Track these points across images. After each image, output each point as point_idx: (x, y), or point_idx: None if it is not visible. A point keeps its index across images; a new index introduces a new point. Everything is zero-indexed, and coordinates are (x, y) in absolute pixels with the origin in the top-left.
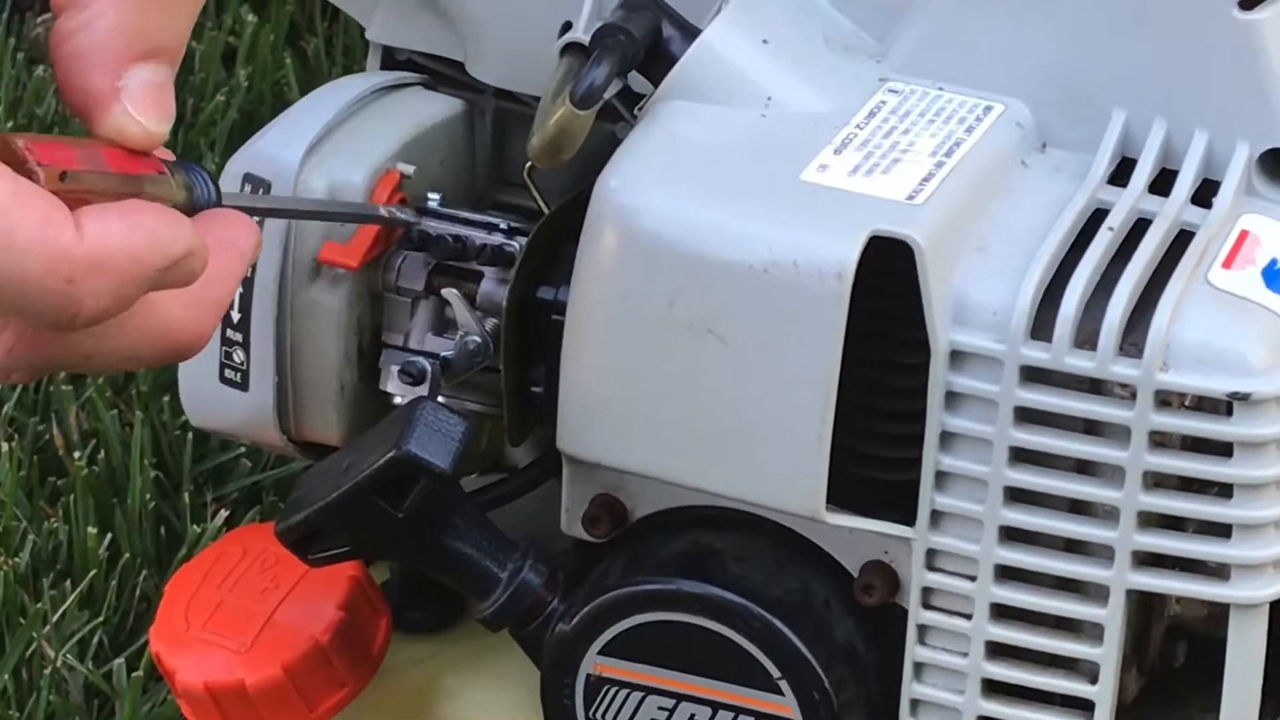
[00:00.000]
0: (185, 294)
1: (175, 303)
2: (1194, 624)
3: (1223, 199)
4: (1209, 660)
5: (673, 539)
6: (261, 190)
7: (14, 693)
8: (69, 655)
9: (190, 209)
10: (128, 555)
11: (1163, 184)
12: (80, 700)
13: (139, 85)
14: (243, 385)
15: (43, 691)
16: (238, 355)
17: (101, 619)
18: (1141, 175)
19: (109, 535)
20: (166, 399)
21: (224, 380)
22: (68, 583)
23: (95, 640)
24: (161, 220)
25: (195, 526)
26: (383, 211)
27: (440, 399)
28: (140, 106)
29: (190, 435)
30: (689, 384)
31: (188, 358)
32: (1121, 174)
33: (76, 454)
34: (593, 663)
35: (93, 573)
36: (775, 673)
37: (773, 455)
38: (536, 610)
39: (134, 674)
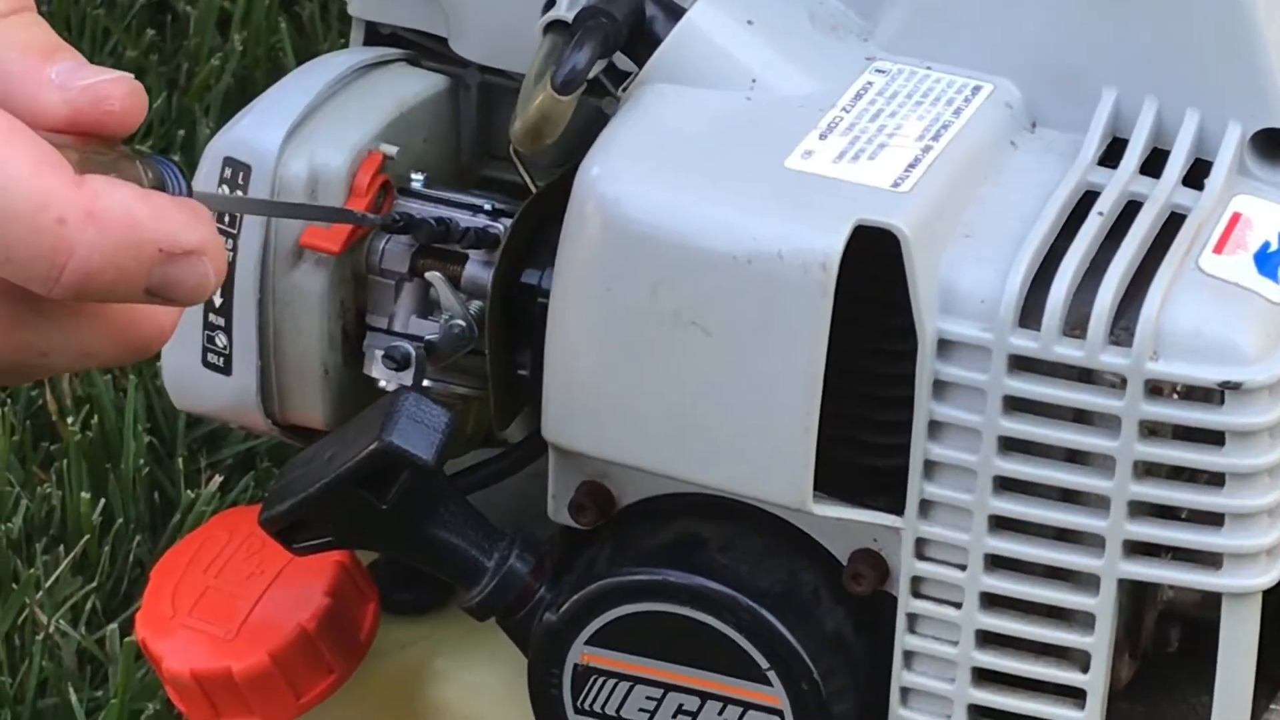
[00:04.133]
0: None
1: None
2: (1187, 609)
3: (1214, 180)
4: (1203, 645)
5: (660, 527)
6: (242, 175)
7: (6, 658)
8: (62, 621)
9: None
10: (121, 521)
11: (1154, 164)
12: (73, 666)
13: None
14: (225, 369)
15: (35, 657)
16: (220, 339)
17: (95, 584)
18: (1132, 156)
19: (102, 501)
20: (160, 365)
21: (206, 364)
22: (61, 548)
23: (88, 606)
24: (177, 204)
25: (189, 492)
26: (355, 213)
27: (425, 382)
28: (92, 72)
29: None
30: (673, 375)
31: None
32: (1112, 154)
33: (70, 419)
34: (580, 652)
35: (86, 538)
36: (763, 663)
37: (759, 447)
38: (523, 599)
39: (127, 639)
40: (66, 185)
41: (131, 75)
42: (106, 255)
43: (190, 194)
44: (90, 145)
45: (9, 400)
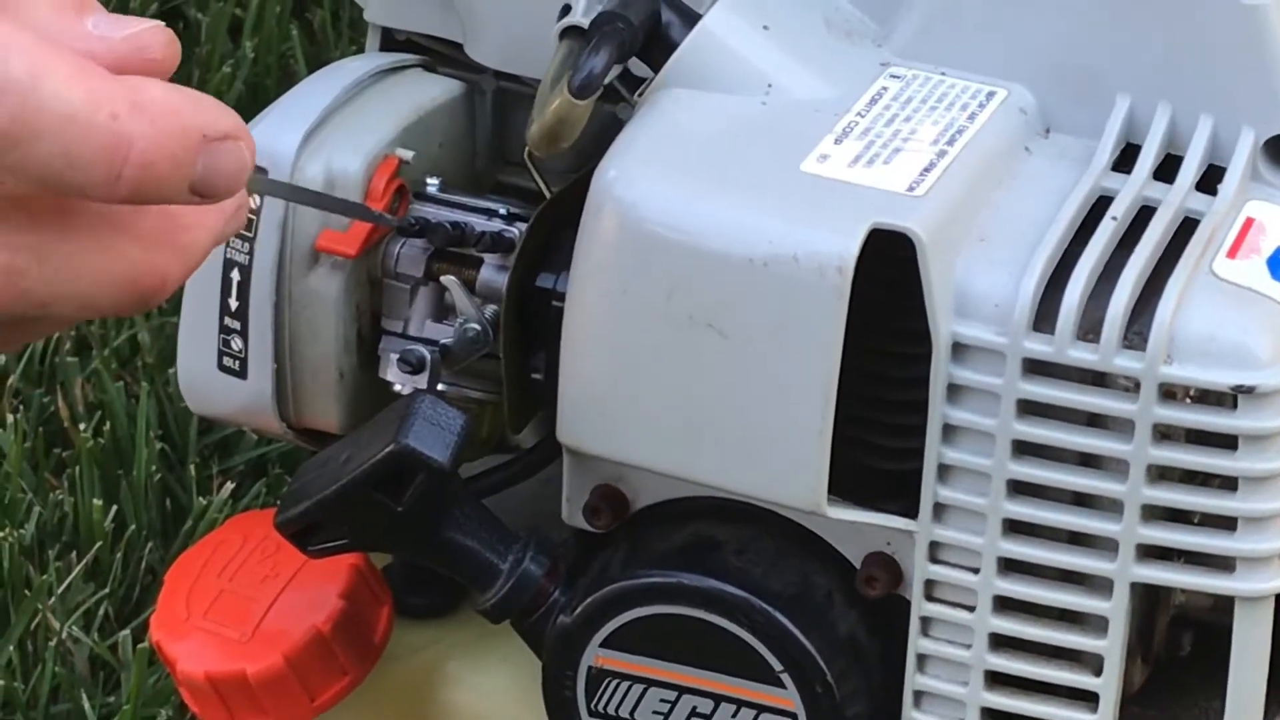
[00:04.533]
0: (149, 236)
1: (138, 245)
2: (1199, 613)
3: (1227, 186)
4: (1215, 649)
5: (674, 530)
6: None
7: (19, 664)
8: (74, 627)
9: None
10: (133, 527)
11: (1167, 170)
12: (85, 672)
13: (107, 19)
14: (241, 373)
15: (48, 663)
16: (236, 343)
17: (107, 591)
18: (1146, 162)
19: (114, 507)
20: (172, 371)
21: (222, 368)
22: (73, 554)
23: (100, 612)
24: (205, 96)
25: (201, 499)
26: (375, 211)
27: (440, 386)
28: (129, 23)
29: None
30: (689, 378)
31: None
32: (1126, 160)
33: (82, 426)
34: (594, 655)
35: (98, 544)
36: (777, 665)
37: (773, 450)
38: (538, 602)
39: (140, 646)
40: (109, 81)
41: (163, 24)
42: (160, 145)
43: None
44: None
45: (21, 407)
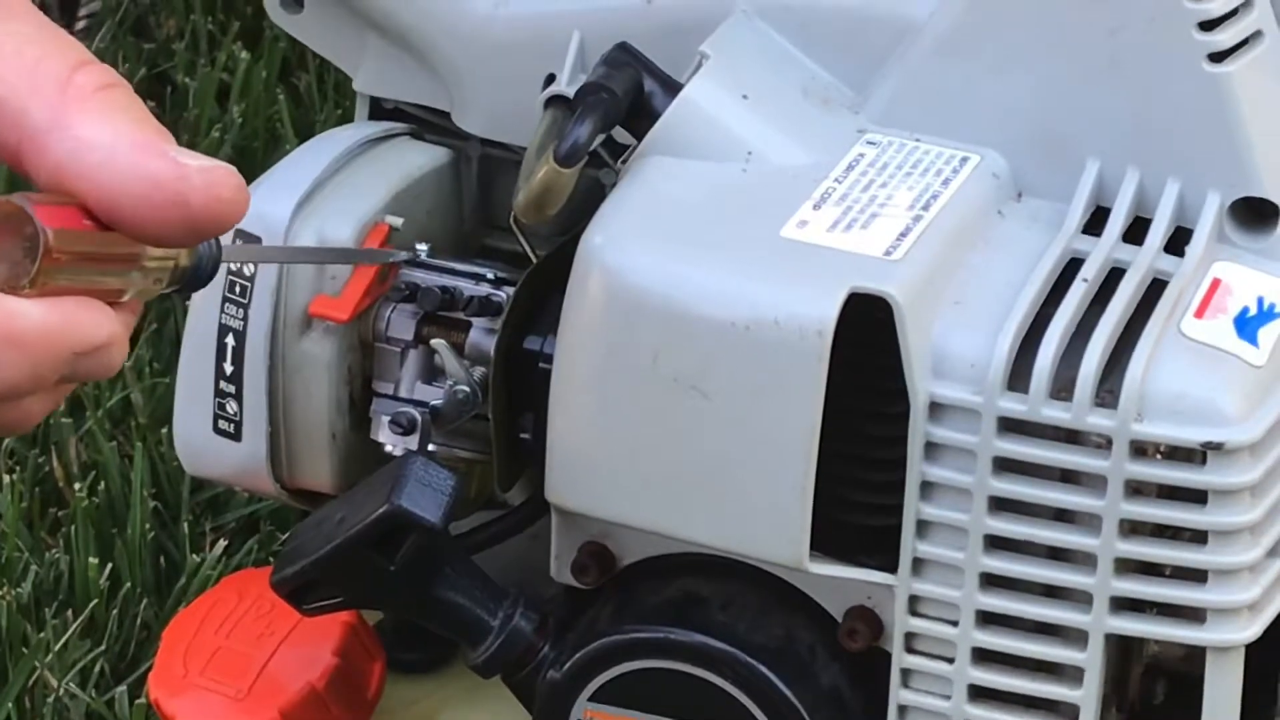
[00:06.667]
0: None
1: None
2: (1172, 663)
3: (1195, 247)
4: (1187, 698)
5: (660, 586)
6: None
7: None
8: (71, 684)
9: (194, 264)
10: (128, 585)
11: (1136, 232)
12: None
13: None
14: (236, 436)
15: (46, 719)
16: (230, 406)
17: (103, 648)
18: (1115, 224)
19: (109, 565)
20: (165, 430)
21: (217, 431)
22: (69, 612)
23: (97, 669)
24: (82, 307)
25: (194, 556)
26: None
27: (431, 446)
28: (205, 158)
29: None
30: (673, 438)
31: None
32: (1096, 223)
33: (77, 485)
34: (583, 709)
35: (94, 602)
36: (762, 718)
37: (756, 508)
38: (528, 657)
39: (136, 702)
40: None
41: (236, 169)
42: (26, 371)
43: (219, 255)
44: (86, 253)
45: (17, 468)
